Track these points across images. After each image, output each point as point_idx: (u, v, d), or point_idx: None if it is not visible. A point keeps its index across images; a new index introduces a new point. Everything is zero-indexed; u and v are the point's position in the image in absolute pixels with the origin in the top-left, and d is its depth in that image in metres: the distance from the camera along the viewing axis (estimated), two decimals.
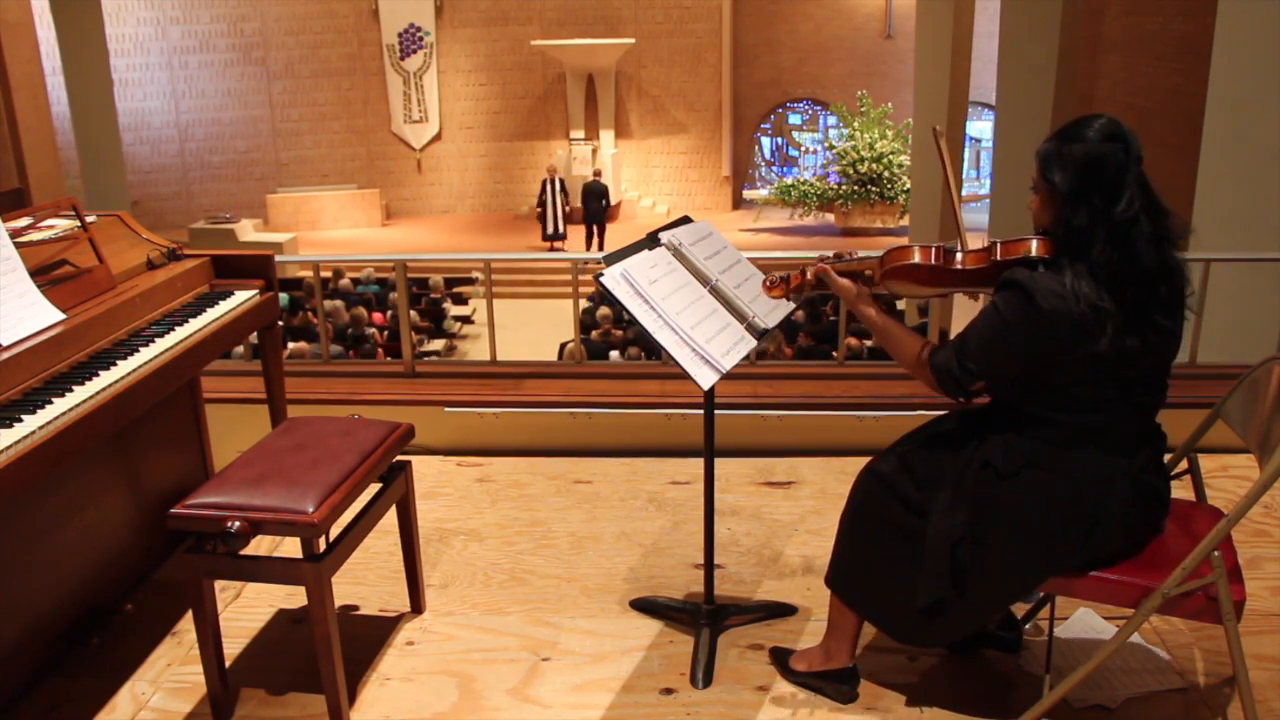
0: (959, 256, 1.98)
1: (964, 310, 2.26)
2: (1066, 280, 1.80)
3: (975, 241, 2.03)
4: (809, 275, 2.17)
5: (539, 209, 14.75)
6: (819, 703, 2.22)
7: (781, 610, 2.56)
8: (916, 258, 2.01)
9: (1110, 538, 1.89)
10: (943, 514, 1.97)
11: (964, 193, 12.07)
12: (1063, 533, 1.89)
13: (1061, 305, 1.79)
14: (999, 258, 1.93)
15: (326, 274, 10.85)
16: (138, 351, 2.24)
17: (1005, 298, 1.85)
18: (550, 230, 14.71)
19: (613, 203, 15.40)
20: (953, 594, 1.97)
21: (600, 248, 14.46)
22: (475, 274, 12.21)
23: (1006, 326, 1.84)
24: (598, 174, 15.08)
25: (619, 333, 8.72)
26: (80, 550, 2.44)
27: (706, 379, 2.06)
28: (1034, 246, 1.90)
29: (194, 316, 2.48)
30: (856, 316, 2.13)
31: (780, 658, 2.35)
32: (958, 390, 1.95)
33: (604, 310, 8.81)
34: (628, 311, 2.11)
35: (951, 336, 2.00)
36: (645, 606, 2.60)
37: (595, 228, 14.63)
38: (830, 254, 2.20)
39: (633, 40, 16.35)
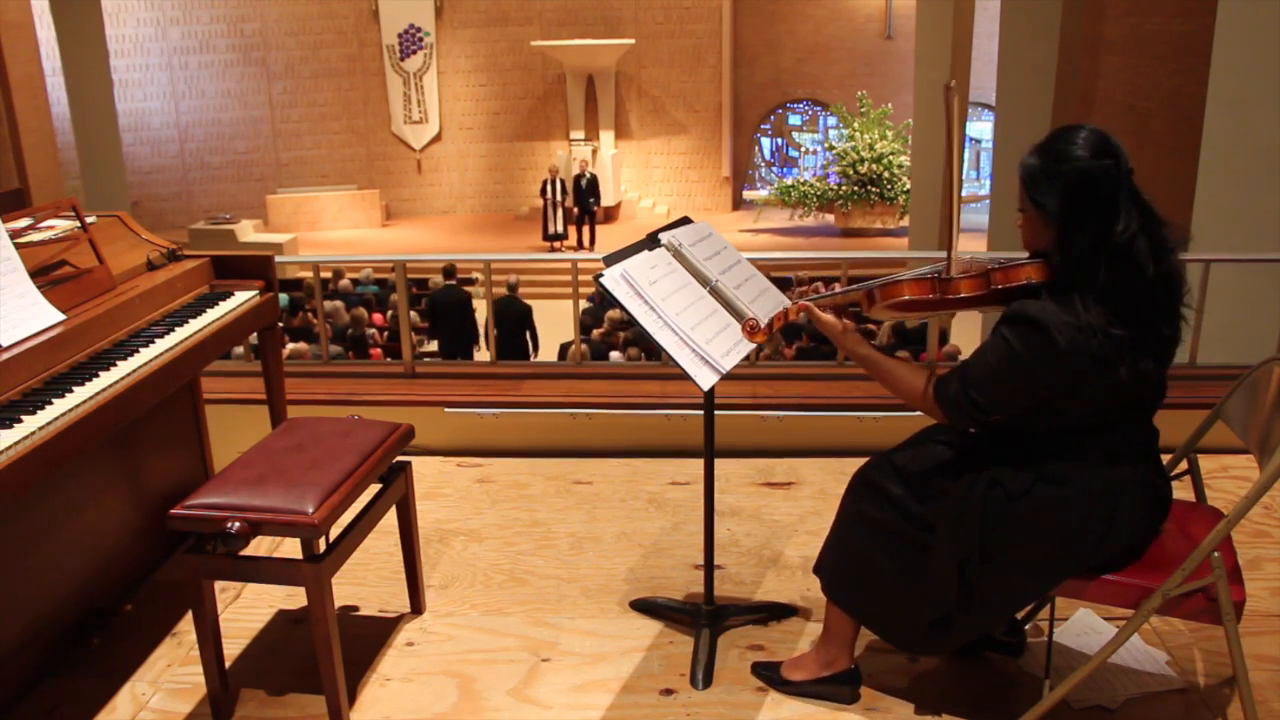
0: (954, 284, 1.93)
1: (962, 321, 2.25)
2: (1078, 312, 1.75)
3: (969, 243, 2.01)
4: (792, 315, 2.12)
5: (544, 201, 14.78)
6: (819, 703, 2.22)
7: (781, 611, 2.56)
8: (909, 294, 1.96)
9: (1119, 543, 1.88)
10: (949, 534, 1.93)
11: (964, 193, 12.06)
12: (1074, 545, 1.87)
13: (1080, 340, 1.74)
14: (998, 285, 1.89)
15: (326, 275, 10.84)
16: (138, 352, 2.24)
17: (1019, 333, 1.79)
18: (551, 230, 14.72)
19: (604, 198, 15.35)
20: (959, 610, 1.96)
21: (592, 244, 14.50)
22: (475, 275, 12.21)
23: (1020, 362, 1.80)
24: (584, 164, 15.07)
25: (621, 334, 8.72)
26: (80, 550, 2.44)
27: (706, 380, 2.06)
28: (1032, 272, 1.85)
29: (194, 317, 2.48)
30: (843, 351, 2.07)
31: (768, 671, 2.30)
32: (969, 422, 1.91)
33: (614, 313, 8.80)
34: (628, 312, 2.11)
35: (950, 342, 1.99)
36: (645, 607, 2.60)
37: (586, 224, 14.66)
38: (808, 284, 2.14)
39: (633, 41, 16.34)
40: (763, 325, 2.12)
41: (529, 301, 9.82)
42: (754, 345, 2.22)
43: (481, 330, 8.29)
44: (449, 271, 10.06)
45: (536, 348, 9.65)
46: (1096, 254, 1.75)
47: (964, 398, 1.87)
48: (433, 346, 10.46)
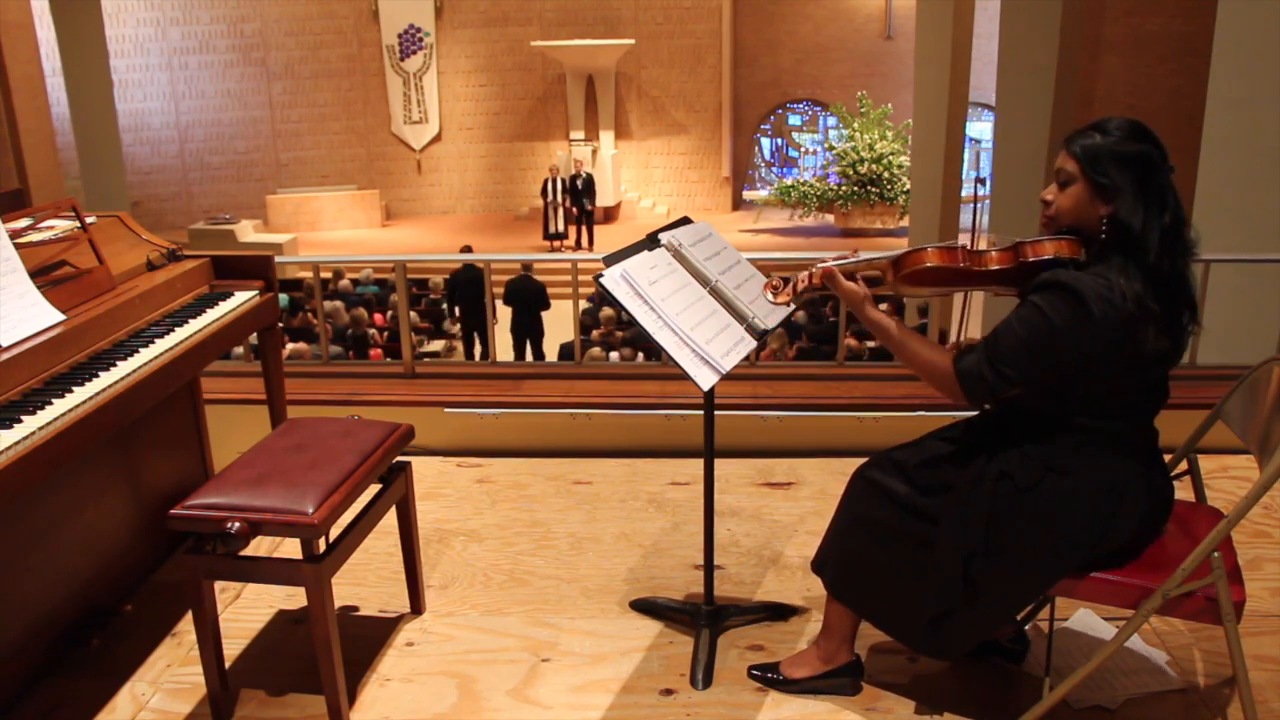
0: (982, 255, 1.92)
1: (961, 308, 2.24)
2: (1112, 280, 1.77)
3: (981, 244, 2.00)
4: (814, 279, 2.10)
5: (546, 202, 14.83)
6: (819, 703, 2.22)
7: (782, 611, 2.56)
8: (936, 260, 1.93)
9: (1121, 538, 1.89)
10: (955, 527, 1.93)
11: (964, 193, 12.06)
12: (1078, 538, 1.87)
13: (1112, 310, 1.76)
14: (1028, 258, 1.88)
15: (326, 275, 10.85)
16: (137, 352, 2.24)
17: (1054, 300, 1.79)
18: (551, 230, 14.74)
19: (604, 199, 15.39)
20: (963, 605, 1.95)
21: (590, 244, 14.51)
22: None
23: (1054, 331, 1.79)
24: (579, 164, 15.10)
25: (620, 334, 8.73)
26: (80, 550, 2.44)
27: (706, 380, 2.06)
28: (1062, 247, 1.86)
29: (194, 317, 2.48)
30: (861, 321, 2.07)
31: (767, 672, 2.30)
32: (987, 397, 1.88)
33: (607, 311, 8.81)
34: (627, 312, 2.11)
35: (951, 334, 1.98)
36: (645, 607, 2.60)
37: (582, 225, 14.71)
38: (833, 256, 2.14)
39: (633, 41, 16.35)
40: (784, 288, 2.12)
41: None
42: (755, 343, 2.21)
43: (489, 309, 8.54)
44: (467, 249, 10.51)
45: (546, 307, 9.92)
46: (1151, 231, 1.79)
47: (989, 370, 1.84)
48: (434, 346, 10.51)
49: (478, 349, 10.13)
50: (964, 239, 1.99)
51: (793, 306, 2.24)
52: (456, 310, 10.58)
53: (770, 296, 2.16)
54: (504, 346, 9.78)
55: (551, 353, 9.45)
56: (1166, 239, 1.79)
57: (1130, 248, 1.80)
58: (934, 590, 1.97)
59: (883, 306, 2.06)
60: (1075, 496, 1.88)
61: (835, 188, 16.19)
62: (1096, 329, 1.77)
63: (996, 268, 1.92)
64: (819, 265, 2.11)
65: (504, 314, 9.99)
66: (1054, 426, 1.90)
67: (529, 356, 9.96)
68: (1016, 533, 1.90)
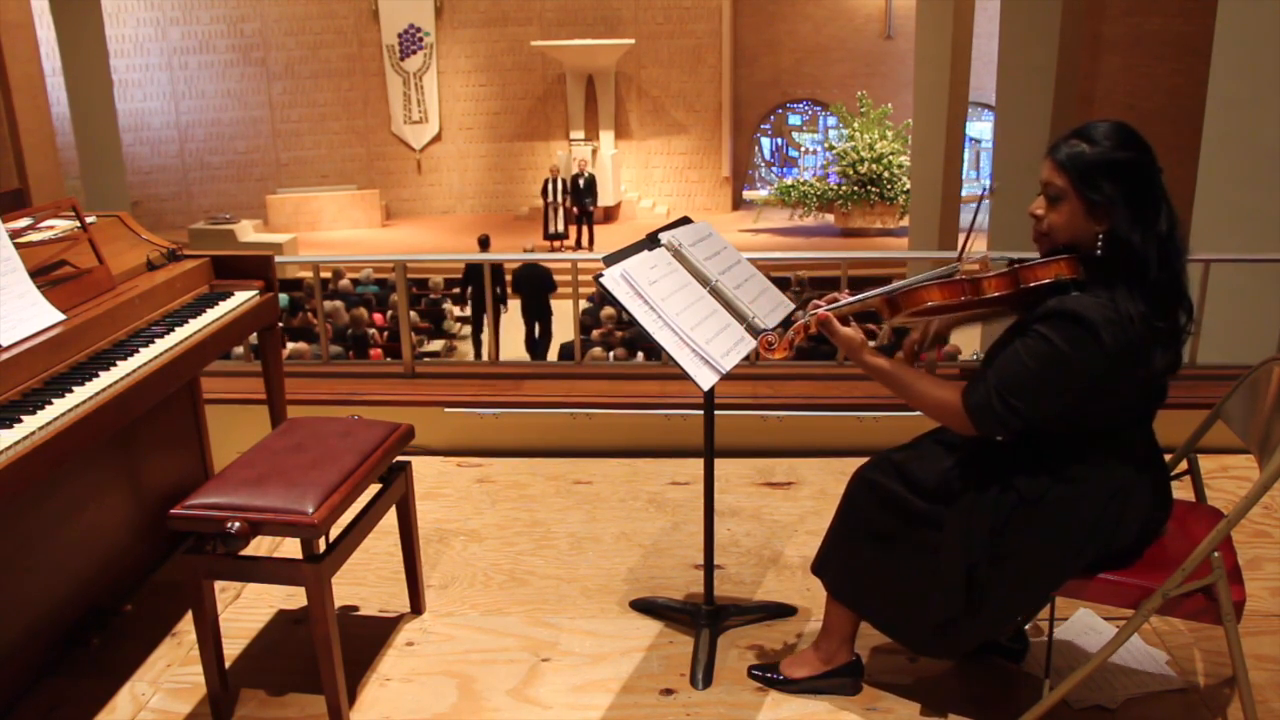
0: (980, 284, 1.89)
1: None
2: (1117, 303, 1.74)
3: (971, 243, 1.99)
4: (812, 328, 2.07)
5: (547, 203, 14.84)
6: (819, 703, 2.22)
7: (781, 611, 2.56)
8: (938, 298, 1.90)
9: (1124, 540, 1.88)
10: (959, 536, 1.92)
11: (964, 193, 12.06)
12: (1084, 544, 1.87)
13: (1123, 335, 1.73)
14: (1026, 284, 1.84)
15: (326, 275, 10.85)
16: (137, 352, 2.24)
17: (1063, 330, 1.75)
18: (551, 230, 14.73)
19: (604, 199, 15.43)
20: (967, 612, 1.94)
21: (591, 244, 14.52)
22: None
23: (1064, 361, 1.75)
24: (583, 164, 15.11)
25: (620, 334, 8.74)
26: (80, 550, 2.44)
27: (706, 380, 2.06)
28: (1062, 268, 1.82)
29: (194, 317, 2.47)
30: (859, 366, 2.00)
31: (767, 672, 2.29)
32: (1000, 430, 1.85)
33: (608, 311, 8.83)
34: (628, 312, 2.11)
35: (949, 342, 1.96)
36: (645, 607, 2.60)
37: (583, 225, 14.72)
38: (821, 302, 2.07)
39: (633, 41, 16.35)
40: (779, 342, 2.09)
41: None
42: (754, 342, 2.20)
43: (490, 302, 8.78)
44: (484, 241, 11.00)
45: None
46: (1149, 245, 1.75)
47: (1001, 405, 1.81)
48: (434, 346, 10.54)
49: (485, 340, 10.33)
50: (962, 237, 1.98)
51: (793, 305, 2.24)
52: (468, 296, 10.72)
53: (767, 354, 2.11)
54: (512, 340, 9.91)
55: (554, 347, 9.50)
56: (1166, 248, 1.76)
57: (1130, 264, 1.76)
58: (937, 598, 1.96)
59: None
60: (1081, 504, 1.86)
61: (835, 188, 16.19)
62: (1109, 356, 1.74)
63: (996, 294, 1.89)
64: (811, 312, 2.08)
65: (514, 303, 10.16)
66: (1060, 437, 1.88)
67: (536, 342, 10.17)
68: (1022, 542, 1.89)
